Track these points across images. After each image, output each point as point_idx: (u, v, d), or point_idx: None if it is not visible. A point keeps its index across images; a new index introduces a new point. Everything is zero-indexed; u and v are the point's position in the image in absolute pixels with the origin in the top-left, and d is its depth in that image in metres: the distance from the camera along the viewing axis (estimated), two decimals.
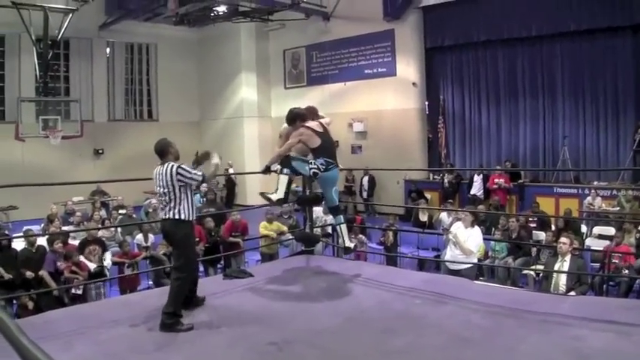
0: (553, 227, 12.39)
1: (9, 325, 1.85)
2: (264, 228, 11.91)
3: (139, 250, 11.93)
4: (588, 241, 12.53)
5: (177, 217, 5.69)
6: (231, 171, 20.61)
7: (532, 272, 10.51)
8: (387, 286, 6.95)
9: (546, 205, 15.43)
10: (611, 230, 12.21)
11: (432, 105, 20.48)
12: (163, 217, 5.85)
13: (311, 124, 7.02)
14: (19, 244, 10.67)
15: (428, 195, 18.94)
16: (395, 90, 20.73)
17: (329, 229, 11.43)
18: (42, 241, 10.96)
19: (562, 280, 8.49)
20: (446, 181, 18.77)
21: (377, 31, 20.85)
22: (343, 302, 6.45)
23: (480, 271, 10.95)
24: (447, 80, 20.56)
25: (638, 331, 5.08)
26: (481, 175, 17.77)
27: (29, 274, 9.68)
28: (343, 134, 21.46)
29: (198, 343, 5.16)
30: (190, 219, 5.82)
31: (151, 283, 11.01)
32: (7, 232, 14.04)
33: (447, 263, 9.61)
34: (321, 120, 7.32)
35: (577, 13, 16.48)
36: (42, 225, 13.90)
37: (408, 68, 20.39)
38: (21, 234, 11.26)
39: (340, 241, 7.69)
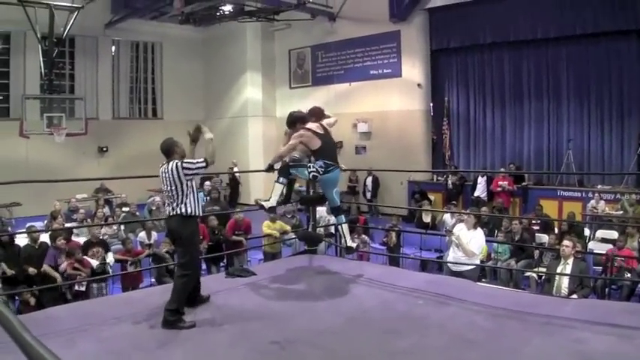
0: (556, 230, 12.39)
1: (12, 321, 1.85)
2: (267, 227, 11.91)
3: (142, 247, 11.95)
4: (591, 245, 12.53)
5: (183, 212, 5.73)
6: (235, 169, 20.59)
7: (534, 275, 10.50)
8: (389, 286, 6.95)
9: (550, 208, 15.39)
10: (614, 234, 12.19)
11: (436, 106, 20.45)
12: (169, 213, 5.89)
13: (311, 125, 7.05)
14: (22, 240, 10.70)
15: (431, 196, 18.93)
16: (400, 91, 20.70)
17: (332, 229, 11.43)
18: (45, 237, 10.99)
19: (564, 283, 8.49)
20: (450, 182, 18.75)
21: (383, 32, 20.82)
22: (346, 302, 6.45)
23: (483, 272, 10.97)
24: (452, 82, 20.53)
25: None
26: (485, 177, 17.73)
27: (32, 270, 9.69)
28: (347, 135, 21.46)
29: (200, 341, 5.16)
30: (196, 214, 5.87)
31: (153, 280, 11.02)
32: (9, 228, 14.08)
33: (449, 264, 9.62)
34: (325, 120, 7.33)
35: (583, 17, 16.44)
36: (45, 222, 13.92)
37: (414, 69, 20.36)
38: (24, 230, 11.31)
39: (342, 241, 7.69)
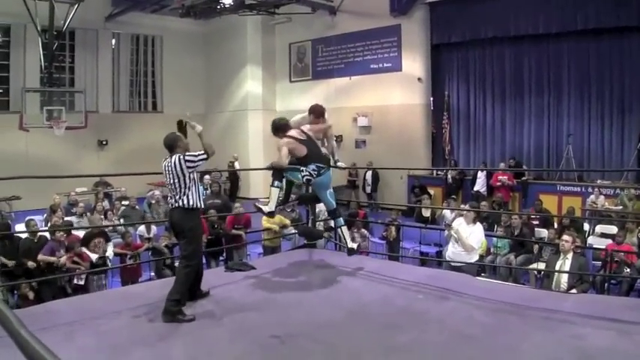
0: (556, 225, 12.38)
1: (9, 317, 1.85)
2: (266, 221, 11.86)
3: (142, 241, 11.93)
4: (590, 240, 12.52)
5: (185, 204, 5.79)
6: (236, 164, 20.58)
7: (534, 269, 10.50)
8: (389, 280, 6.97)
9: (549, 202, 15.38)
10: (613, 229, 12.18)
11: (436, 101, 20.43)
12: (172, 206, 5.96)
13: (292, 132, 7.09)
14: (22, 233, 10.69)
15: (431, 191, 18.91)
16: (400, 85, 20.70)
17: (332, 223, 11.43)
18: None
19: (564, 278, 8.49)
20: (449, 176, 18.75)
21: (383, 26, 20.81)
22: (345, 296, 6.46)
23: (482, 267, 10.96)
24: (453, 76, 20.51)
25: None
26: (485, 172, 17.74)
27: (31, 263, 9.68)
28: (347, 129, 21.48)
29: (200, 335, 5.17)
30: (198, 206, 5.94)
31: (152, 274, 11.01)
32: (9, 221, 14.07)
33: (448, 259, 9.62)
34: (309, 127, 7.33)
35: (584, 12, 16.40)
36: (44, 215, 13.91)
37: (414, 64, 20.34)
38: (24, 226, 11.31)
39: (343, 241, 7.69)
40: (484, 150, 19.86)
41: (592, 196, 15.04)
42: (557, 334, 5.09)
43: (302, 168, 6.93)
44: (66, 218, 13.01)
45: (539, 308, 5.75)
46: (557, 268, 8.61)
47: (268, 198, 7.26)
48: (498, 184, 17.05)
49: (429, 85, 20.41)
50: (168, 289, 5.65)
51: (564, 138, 17.55)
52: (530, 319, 5.52)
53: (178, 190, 5.80)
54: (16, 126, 18.91)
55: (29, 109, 19.15)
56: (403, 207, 17.64)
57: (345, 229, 7.57)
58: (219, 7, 20.74)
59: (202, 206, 6.11)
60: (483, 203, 15.29)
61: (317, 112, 7.46)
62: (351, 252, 7.63)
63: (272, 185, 7.13)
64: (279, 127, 7.14)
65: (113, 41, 23.79)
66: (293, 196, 8.71)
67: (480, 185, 17.76)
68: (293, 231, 11.77)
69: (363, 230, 12.64)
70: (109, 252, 10.97)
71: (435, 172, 20.34)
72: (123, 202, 15.80)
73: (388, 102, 21.06)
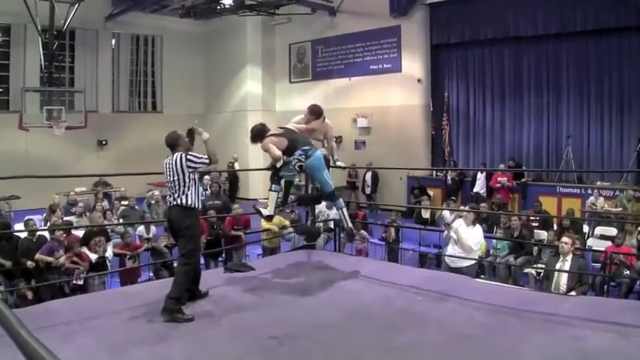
0: (555, 226, 12.38)
1: (8, 317, 1.84)
2: (266, 222, 11.89)
3: (141, 241, 11.94)
4: (590, 241, 12.52)
5: (183, 202, 5.81)
6: (236, 165, 20.58)
7: (533, 271, 10.50)
8: (388, 282, 6.95)
9: (549, 204, 15.39)
10: (613, 231, 12.18)
11: (436, 102, 20.40)
12: (170, 204, 5.99)
13: (270, 133, 7.13)
14: (21, 233, 10.68)
15: (430, 192, 18.92)
16: (400, 86, 20.72)
17: (331, 224, 11.43)
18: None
19: (563, 280, 8.49)
20: (449, 178, 18.75)
21: (383, 27, 20.84)
22: (344, 297, 6.45)
23: (481, 269, 10.97)
24: (452, 77, 20.50)
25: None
26: (484, 173, 17.74)
27: (30, 263, 9.67)
28: (347, 129, 21.50)
29: (199, 336, 5.16)
30: (196, 206, 5.96)
31: (151, 274, 11.02)
32: (9, 221, 14.06)
33: (447, 261, 9.62)
34: (289, 125, 7.41)
35: (584, 13, 16.41)
36: (44, 215, 13.91)
37: (414, 64, 20.36)
38: (22, 226, 11.30)
39: (344, 224, 7.65)
40: (483, 151, 19.85)
41: (591, 198, 15.03)
42: (557, 336, 5.09)
43: (290, 159, 6.94)
44: (65, 218, 13.02)
45: (538, 310, 5.74)
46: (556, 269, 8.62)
47: (267, 200, 7.28)
48: (498, 185, 17.04)
49: (429, 86, 20.40)
50: (168, 289, 5.65)
51: (564, 139, 17.54)
52: (530, 321, 5.51)
53: (177, 188, 5.81)
54: (16, 125, 18.90)
55: (29, 109, 19.13)
56: (403, 207, 17.66)
57: (345, 210, 7.51)
58: (219, 7, 20.77)
59: (200, 207, 6.11)
60: (483, 205, 15.28)
61: (315, 112, 7.50)
62: (350, 234, 7.63)
63: (270, 189, 7.16)
64: (258, 133, 7.15)
65: (113, 41, 23.81)
66: (292, 197, 8.71)
67: (479, 187, 17.76)
68: (292, 231, 11.77)
69: (362, 231, 12.64)
70: (109, 252, 10.99)
71: (434, 173, 20.34)
72: (122, 202, 15.80)
73: (388, 103, 21.08)
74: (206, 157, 5.90)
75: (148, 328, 5.31)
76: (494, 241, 11.63)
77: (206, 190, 15.55)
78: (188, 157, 5.79)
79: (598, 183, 16.28)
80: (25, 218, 12.11)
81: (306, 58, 24.06)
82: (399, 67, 20.74)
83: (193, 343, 5.00)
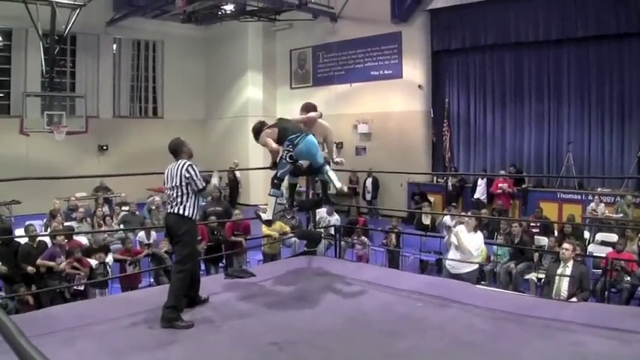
0: (556, 233, 12.38)
1: (8, 326, 1.84)
2: (267, 228, 11.88)
3: (141, 247, 11.94)
4: (591, 248, 12.52)
5: (180, 213, 5.79)
6: (237, 172, 20.57)
7: (534, 277, 10.50)
8: (389, 288, 6.95)
9: (550, 210, 15.37)
10: (613, 237, 12.17)
11: (437, 108, 20.40)
12: (168, 211, 5.97)
13: (266, 127, 7.21)
14: (21, 238, 10.68)
15: (431, 198, 18.92)
16: (401, 92, 20.73)
17: (332, 230, 11.43)
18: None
19: (564, 286, 8.48)
20: (449, 184, 18.75)
21: (384, 33, 20.86)
22: (345, 304, 6.45)
23: (482, 275, 10.96)
24: (453, 83, 20.51)
25: None
26: (485, 179, 17.74)
27: (30, 269, 9.67)
28: (348, 135, 21.50)
29: (199, 342, 5.16)
30: (193, 217, 5.92)
31: (152, 280, 11.02)
32: (9, 225, 14.06)
33: (448, 267, 9.61)
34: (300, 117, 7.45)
35: (584, 19, 16.43)
36: (44, 220, 13.90)
37: (415, 71, 20.38)
38: (23, 231, 11.30)
39: (331, 185, 7.50)
40: (484, 157, 19.85)
41: (592, 204, 15.02)
42: (557, 342, 5.09)
43: (282, 154, 6.95)
44: (66, 223, 13.01)
45: (539, 316, 5.74)
46: (557, 276, 8.61)
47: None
48: (499, 191, 17.03)
49: (430, 92, 20.42)
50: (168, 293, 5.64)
51: (564, 145, 17.53)
52: (530, 327, 5.51)
53: (176, 197, 5.81)
54: (17, 130, 18.93)
55: (30, 114, 19.16)
56: (403, 213, 17.65)
57: (331, 172, 7.35)
58: (220, 13, 20.83)
59: (198, 218, 6.10)
60: (484, 211, 15.30)
61: (308, 108, 7.53)
62: (340, 193, 7.51)
63: (269, 194, 7.14)
64: (256, 131, 7.22)
65: (114, 46, 23.83)
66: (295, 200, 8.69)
67: (480, 193, 17.75)
68: (293, 238, 11.77)
69: (363, 237, 12.64)
70: (109, 258, 10.99)
71: (435, 179, 20.32)
72: (123, 208, 15.80)
73: (388, 109, 21.09)
74: (203, 184, 5.87)
75: (149, 334, 5.30)
76: (495, 247, 11.63)
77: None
78: (188, 168, 5.79)
79: (599, 189, 16.28)
80: (26, 223, 12.09)
81: (307, 64, 24.07)
82: (400, 73, 20.75)
83: (193, 349, 4.99)
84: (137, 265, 11.23)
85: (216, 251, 11.75)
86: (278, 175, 7.03)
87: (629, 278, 9.85)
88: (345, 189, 7.58)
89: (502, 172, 17.91)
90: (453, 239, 9.48)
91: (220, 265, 11.96)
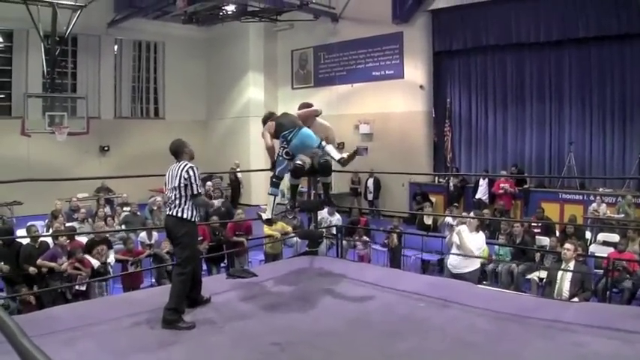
0: (557, 233, 12.37)
1: (11, 327, 1.84)
2: (268, 228, 11.87)
3: (143, 247, 11.94)
4: (592, 248, 12.51)
5: (179, 215, 5.77)
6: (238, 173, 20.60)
7: (536, 277, 10.49)
8: (390, 288, 6.94)
9: (551, 210, 15.35)
10: (615, 237, 12.17)
11: (438, 108, 20.40)
12: (167, 213, 5.95)
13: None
14: (23, 239, 10.68)
15: (433, 198, 18.89)
16: (402, 92, 20.72)
17: (333, 230, 11.43)
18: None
19: (565, 286, 8.48)
20: (451, 184, 18.74)
21: (385, 34, 20.85)
22: (347, 304, 6.44)
23: (484, 275, 10.96)
24: (455, 84, 20.51)
25: None
26: (486, 179, 17.72)
27: (32, 269, 9.67)
28: (349, 136, 21.45)
29: (200, 342, 5.16)
30: (193, 220, 5.90)
31: (154, 281, 11.02)
32: (12, 226, 14.07)
33: (450, 267, 9.61)
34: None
35: (586, 20, 16.41)
36: (46, 221, 13.90)
37: (416, 71, 20.37)
38: (25, 232, 11.30)
39: (332, 155, 7.45)
40: (486, 158, 19.85)
41: (594, 204, 14.99)
42: (559, 342, 5.08)
43: (278, 150, 6.98)
44: (67, 224, 13.00)
45: (540, 316, 5.73)
46: (559, 276, 8.61)
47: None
48: (500, 191, 17.01)
49: (431, 93, 20.41)
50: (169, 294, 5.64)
51: (566, 145, 17.50)
52: (532, 327, 5.50)
53: (176, 199, 5.79)
54: (18, 131, 18.93)
55: (31, 115, 19.16)
56: (405, 214, 17.65)
57: (330, 146, 7.27)
58: (221, 13, 20.85)
59: (198, 220, 6.08)
60: (485, 211, 15.25)
61: (304, 106, 7.65)
62: (343, 161, 7.55)
63: (269, 193, 7.14)
64: (265, 120, 7.44)
65: (115, 47, 23.82)
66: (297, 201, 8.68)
67: (481, 193, 17.73)
68: (295, 238, 11.77)
69: (364, 238, 12.64)
70: (111, 258, 10.99)
71: (436, 179, 20.34)
72: (124, 208, 15.80)
73: (390, 109, 21.07)
74: (200, 190, 5.87)
75: (150, 335, 5.31)
76: (496, 247, 11.63)
77: (210, 197, 15.57)
78: (189, 170, 5.77)
79: (600, 189, 16.25)
80: (28, 224, 12.11)
81: (309, 65, 24.07)
82: (402, 73, 20.75)
83: (195, 350, 4.99)
84: (139, 265, 11.23)
85: (218, 251, 11.75)
86: (276, 172, 7.04)
87: (630, 278, 9.85)
88: (346, 156, 7.51)
89: (503, 173, 17.89)
90: (455, 239, 9.48)
91: (222, 265, 11.98)
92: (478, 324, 5.65)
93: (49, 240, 10.60)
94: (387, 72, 21.21)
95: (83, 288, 9.81)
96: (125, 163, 21.89)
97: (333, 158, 7.18)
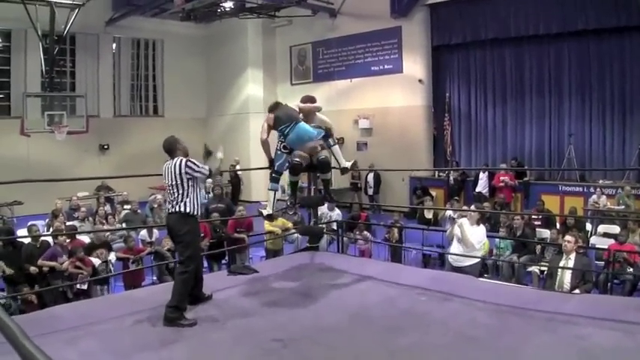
0: (558, 225, 12.37)
1: (12, 328, 1.84)
2: (268, 224, 11.87)
3: (144, 245, 11.94)
4: (593, 239, 12.51)
5: (182, 210, 5.76)
6: (238, 167, 20.57)
7: (537, 270, 10.49)
8: (391, 283, 6.95)
9: (551, 203, 15.34)
10: (616, 229, 12.17)
11: (438, 102, 20.40)
12: (169, 211, 5.95)
13: None
14: (24, 238, 10.69)
15: (433, 192, 18.87)
16: (401, 87, 20.69)
17: (334, 226, 11.43)
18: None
19: (566, 278, 8.49)
20: (451, 178, 18.73)
21: (384, 28, 20.80)
22: (348, 299, 6.45)
23: (485, 268, 10.96)
24: (454, 78, 20.48)
25: None
26: (486, 173, 17.72)
27: (33, 269, 9.67)
28: (349, 131, 21.46)
29: (202, 339, 5.16)
30: (195, 213, 5.90)
31: (155, 278, 11.03)
32: (12, 227, 14.06)
33: (451, 260, 9.62)
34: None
35: (585, 12, 16.37)
36: (46, 220, 13.90)
37: (415, 65, 20.33)
38: (25, 231, 11.30)
39: (337, 163, 7.49)
40: (485, 151, 19.84)
41: (594, 196, 14.98)
42: (561, 335, 5.08)
43: (277, 147, 6.98)
44: (68, 223, 13.00)
45: (542, 309, 5.73)
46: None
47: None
48: (501, 184, 17.00)
49: (430, 87, 20.41)
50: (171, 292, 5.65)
51: (566, 138, 17.51)
52: (534, 320, 5.50)
53: (176, 195, 5.78)
54: (18, 131, 18.93)
55: (30, 114, 19.16)
56: (405, 208, 17.64)
57: (336, 147, 7.41)
58: (219, 10, 20.84)
59: (199, 213, 6.08)
60: (486, 204, 15.25)
61: (307, 101, 7.62)
62: (344, 171, 7.53)
63: (269, 189, 7.14)
64: (271, 110, 7.28)
65: (114, 45, 23.82)
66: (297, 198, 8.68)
67: (481, 186, 17.72)
68: (295, 234, 11.77)
69: (365, 232, 12.64)
70: (112, 256, 10.99)
71: (436, 173, 20.33)
72: (125, 207, 15.80)
73: (389, 104, 21.06)
74: (207, 168, 5.93)
75: (152, 333, 5.31)
76: (497, 240, 11.62)
77: (209, 193, 15.57)
78: (188, 163, 5.76)
79: (600, 181, 16.25)
80: (29, 224, 12.12)
81: (307, 60, 24.04)
82: (400, 68, 20.71)
83: (197, 347, 5.00)
84: (140, 263, 11.24)
85: (219, 248, 11.74)
86: (275, 167, 7.03)
87: (631, 269, 9.85)
88: (349, 165, 7.54)
89: (503, 166, 17.88)
90: (456, 231, 9.49)
91: (223, 261, 11.97)
92: (479, 318, 5.65)
93: (50, 239, 10.60)
94: (385, 67, 21.18)
95: (84, 287, 9.82)
96: (125, 161, 21.89)
97: (338, 162, 7.23)
